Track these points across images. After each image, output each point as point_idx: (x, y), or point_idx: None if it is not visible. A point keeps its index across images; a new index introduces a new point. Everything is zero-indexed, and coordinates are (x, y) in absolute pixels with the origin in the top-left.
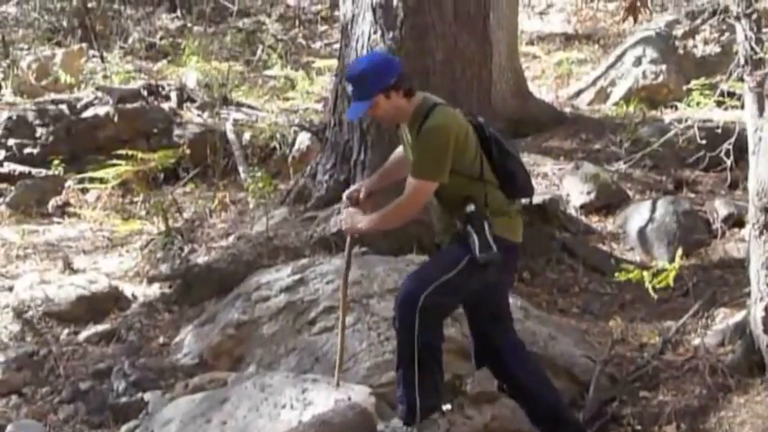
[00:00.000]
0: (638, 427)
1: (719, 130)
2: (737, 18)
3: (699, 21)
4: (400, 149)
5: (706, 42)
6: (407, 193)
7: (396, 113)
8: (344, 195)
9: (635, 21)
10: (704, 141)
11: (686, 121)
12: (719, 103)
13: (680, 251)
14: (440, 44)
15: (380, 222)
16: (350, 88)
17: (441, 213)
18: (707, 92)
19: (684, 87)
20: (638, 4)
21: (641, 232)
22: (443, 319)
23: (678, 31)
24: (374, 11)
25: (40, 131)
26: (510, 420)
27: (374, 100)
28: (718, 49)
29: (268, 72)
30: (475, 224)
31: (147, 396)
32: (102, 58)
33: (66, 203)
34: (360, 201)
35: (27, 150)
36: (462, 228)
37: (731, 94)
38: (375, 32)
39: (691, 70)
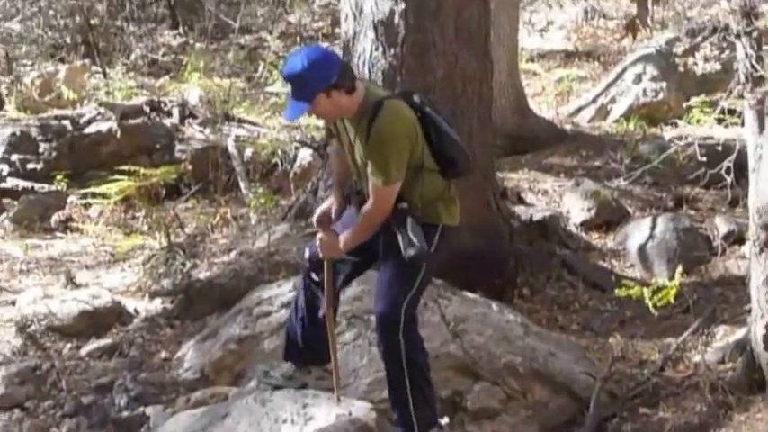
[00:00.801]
0: None
1: (720, 148)
2: (738, 36)
3: (699, 38)
4: (334, 149)
5: (706, 60)
6: (375, 200)
7: (337, 111)
8: (314, 221)
9: (634, 38)
10: (705, 158)
11: (686, 138)
12: (720, 121)
13: (680, 268)
14: (441, 61)
15: (355, 238)
16: (288, 87)
17: None
18: (707, 109)
19: (685, 105)
20: (637, 22)
21: (641, 249)
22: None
23: (678, 49)
24: (375, 28)
25: (43, 147)
26: None
27: (315, 100)
28: (718, 67)
29: (269, 89)
30: (399, 224)
31: (149, 410)
32: (104, 74)
33: (69, 218)
34: (332, 221)
35: (30, 166)
36: (394, 226)
37: (731, 112)
38: (376, 49)
39: (691, 88)
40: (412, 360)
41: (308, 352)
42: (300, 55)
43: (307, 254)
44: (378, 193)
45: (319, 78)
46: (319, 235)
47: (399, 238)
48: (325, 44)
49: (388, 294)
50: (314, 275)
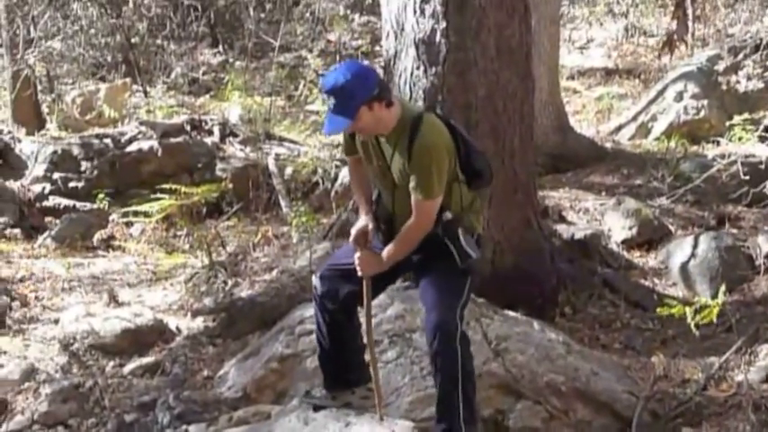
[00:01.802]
0: None
1: (762, 166)
2: None
3: (741, 56)
4: (352, 168)
5: (749, 78)
6: (418, 215)
7: (376, 125)
8: (351, 242)
9: (671, 55)
10: (747, 177)
11: (729, 156)
12: (762, 139)
13: (723, 287)
14: (482, 80)
15: (398, 254)
16: (331, 101)
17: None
18: (749, 127)
19: (727, 123)
20: (677, 38)
21: (683, 268)
22: None
23: (720, 67)
24: (417, 47)
25: (84, 165)
26: None
27: (358, 114)
28: (761, 85)
29: (310, 107)
30: (451, 236)
31: (192, 429)
32: (145, 92)
33: (111, 237)
34: (369, 240)
35: (72, 184)
36: (441, 239)
37: None
38: (418, 68)
39: (733, 105)
40: (466, 371)
41: (347, 375)
42: (341, 68)
43: (318, 283)
44: (421, 208)
45: (363, 90)
46: (358, 254)
47: (452, 248)
48: (365, 62)
49: (442, 303)
50: (328, 304)
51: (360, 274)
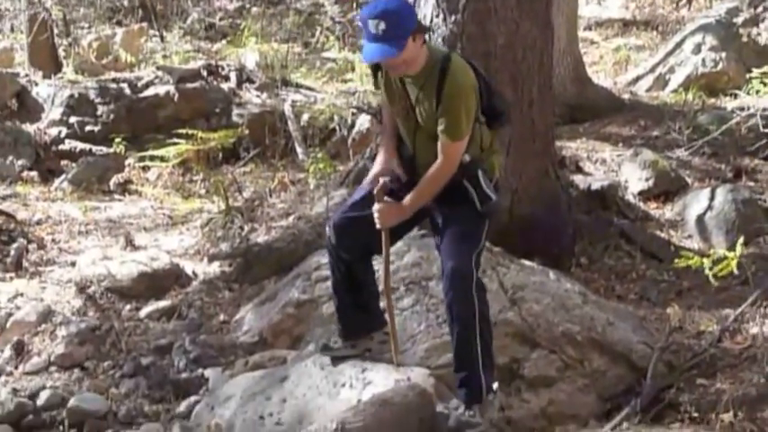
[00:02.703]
0: (696, 415)
1: None
2: None
3: (761, 9)
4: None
5: None
6: (446, 157)
7: (414, 60)
8: (375, 191)
9: (689, 6)
10: (766, 130)
11: (747, 109)
12: None
13: (741, 239)
14: (501, 28)
15: (421, 200)
16: (381, 26)
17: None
18: None
19: (747, 76)
20: None
21: (700, 220)
22: None
23: (739, 19)
24: None
25: (101, 110)
26: (567, 405)
27: (407, 41)
28: None
29: (326, 54)
30: (470, 177)
31: (208, 372)
32: (161, 37)
33: (128, 181)
34: (390, 190)
35: (88, 128)
36: (459, 180)
37: None
38: (437, 16)
39: (751, 58)
40: (484, 317)
41: (365, 322)
42: None
43: (332, 233)
44: (448, 150)
45: (412, 17)
46: (377, 206)
47: (472, 191)
48: None
49: (459, 250)
50: (343, 254)
51: (378, 226)
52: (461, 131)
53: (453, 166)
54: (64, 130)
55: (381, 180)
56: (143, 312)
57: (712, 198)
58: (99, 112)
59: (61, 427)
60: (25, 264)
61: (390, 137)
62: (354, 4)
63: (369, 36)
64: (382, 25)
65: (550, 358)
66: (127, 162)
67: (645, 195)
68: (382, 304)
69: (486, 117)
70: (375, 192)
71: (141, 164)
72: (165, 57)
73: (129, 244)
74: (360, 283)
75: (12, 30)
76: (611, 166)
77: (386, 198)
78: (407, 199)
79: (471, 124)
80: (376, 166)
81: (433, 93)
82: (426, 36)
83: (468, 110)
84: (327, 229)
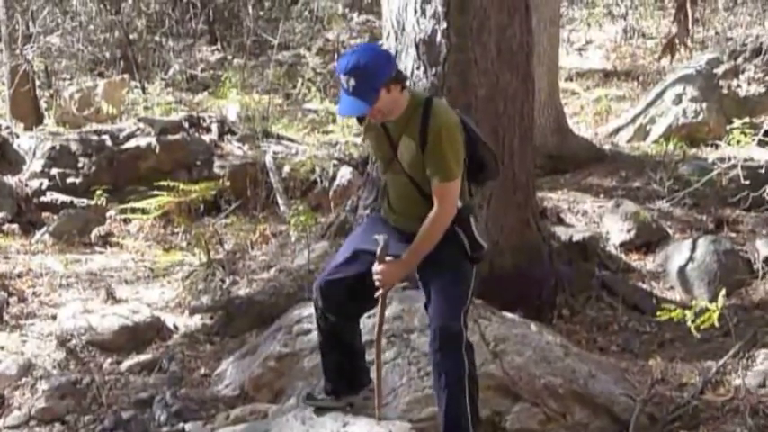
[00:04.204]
0: None
1: (762, 170)
2: None
3: (741, 60)
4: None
5: (749, 82)
6: (442, 200)
7: (393, 108)
8: (378, 252)
9: (672, 58)
10: (747, 181)
11: (728, 160)
12: (762, 143)
13: (722, 291)
14: (482, 80)
15: (422, 251)
16: (351, 82)
17: (423, 207)
18: (749, 131)
19: (727, 127)
20: (677, 41)
21: (681, 271)
22: None
23: (719, 70)
24: (417, 47)
25: (82, 161)
26: None
27: (379, 95)
28: (762, 89)
29: (308, 105)
30: (462, 223)
31: (189, 427)
32: (143, 89)
33: (109, 233)
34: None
35: (70, 180)
36: (452, 227)
37: None
38: (418, 68)
39: (732, 109)
40: (472, 377)
41: (351, 381)
42: (360, 49)
43: (320, 297)
44: (442, 191)
45: (384, 70)
46: (378, 268)
47: (463, 238)
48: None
49: (447, 307)
50: (331, 317)
51: (381, 286)
52: (452, 171)
53: (452, 208)
54: (45, 182)
55: (382, 239)
56: (124, 366)
57: (694, 249)
58: (80, 164)
59: None
60: (6, 317)
61: None
62: (336, 55)
63: (343, 89)
64: (352, 81)
65: (532, 411)
66: (108, 214)
67: (626, 246)
68: (369, 358)
69: (470, 170)
70: (378, 252)
71: (122, 216)
72: (146, 108)
73: (110, 297)
74: (346, 343)
75: None
76: (593, 218)
77: (387, 257)
78: (407, 253)
79: (461, 164)
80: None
81: (417, 134)
82: (407, 82)
83: (456, 149)
84: (314, 291)
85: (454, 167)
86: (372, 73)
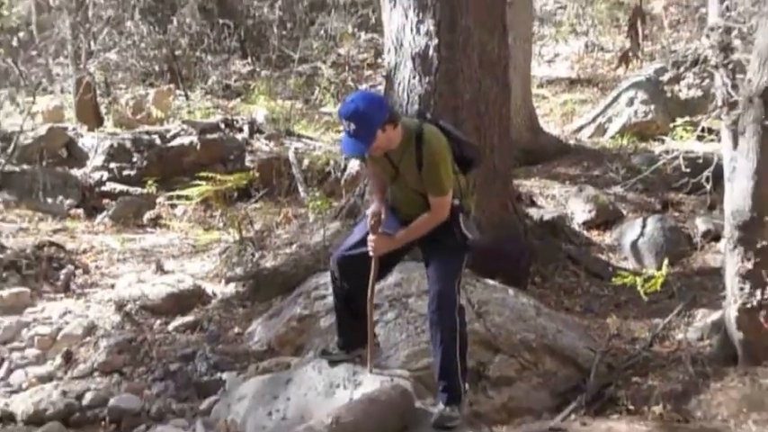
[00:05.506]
0: (631, 408)
1: (700, 160)
2: (716, 67)
3: (682, 69)
4: (370, 171)
5: (689, 87)
6: (435, 209)
7: (389, 143)
8: (368, 225)
9: (627, 68)
10: (688, 169)
11: (673, 152)
12: (700, 138)
13: (667, 260)
14: (467, 87)
15: (411, 237)
16: (351, 126)
17: (424, 205)
18: (689, 128)
19: (671, 125)
20: (630, 54)
21: (634, 245)
22: None
23: (665, 77)
24: (413, 59)
25: (136, 157)
26: (524, 400)
27: (376, 136)
28: (699, 93)
29: (323, 109)
30: (454, 219)
31: (225, 376)
32: (186, 96)
33: (158, 216)
34: (381, 224)
35: (125, 172)
36: (448, 220)
37: (710, 131)
38: (414, 78)
39: (675, 110)
40: (462, 335)
41: (359, 336)
42: (357, 97)
43: (336, 269)
44: (437, 204)
45: (379, 114)
46: (371, 237)
47: (456, 231)
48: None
49: (444, 276)
50: (344, 284)
51: (371, 253)
52: (445, 187)
53: (443, 215)
54: (105, 174)
55: (376, 216)
56: (171, 326)
57: (644, 226)
58: (134, 159)
59: (103, 423)
60: (72, 286)
61: (378, 190)
62: (347, 68)
63: (345, 131)
64: (352, 125)
65: (510, 361)
66: (157, 200)
67: (588, 225)
68: (374, 319)
69: (460, 166)
70: (371, 224)
71: (169, 202)
72: (189, 112)
73: (159, 269)
74: (357, 306)
75: (62, 91)
76: (560, 201)
77: (380, 230)
78: (399, 233)
79: (451, 177)
80: (373, 207)
81: (414, 162)
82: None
83: (447, 169)
84: (331, 263)
85: (446, 184)
86: (369, 118)
